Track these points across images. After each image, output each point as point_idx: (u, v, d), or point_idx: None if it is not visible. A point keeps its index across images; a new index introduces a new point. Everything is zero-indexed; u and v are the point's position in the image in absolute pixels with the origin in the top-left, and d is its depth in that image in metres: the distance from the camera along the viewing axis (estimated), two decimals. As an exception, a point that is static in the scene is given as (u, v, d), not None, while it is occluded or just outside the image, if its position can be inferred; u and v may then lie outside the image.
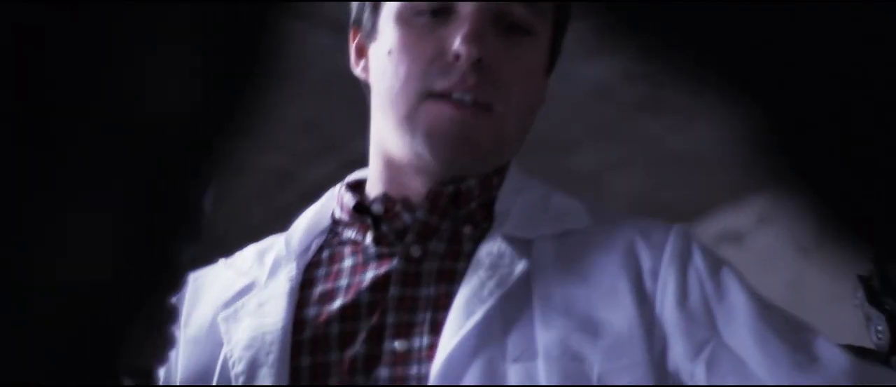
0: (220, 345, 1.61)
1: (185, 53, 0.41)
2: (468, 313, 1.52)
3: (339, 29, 1.78)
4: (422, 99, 1.61)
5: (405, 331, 1.54)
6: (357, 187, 1.72)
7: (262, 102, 0.45)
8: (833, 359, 1.52)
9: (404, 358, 1.52)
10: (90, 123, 0.42)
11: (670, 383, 1.51)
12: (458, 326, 1.51)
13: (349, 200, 1.68)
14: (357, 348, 1.53)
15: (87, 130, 0.42)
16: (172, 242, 0.47)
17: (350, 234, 1.67)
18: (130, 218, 0.45)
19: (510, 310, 1.53)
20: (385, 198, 1.66)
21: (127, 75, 0.42)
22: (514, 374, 1.49)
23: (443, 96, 1.60)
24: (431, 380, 1.48)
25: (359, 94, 1.75)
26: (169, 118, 0.40)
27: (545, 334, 1.51)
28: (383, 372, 1.51)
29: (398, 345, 1.52)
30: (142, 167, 0.44)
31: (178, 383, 1.62)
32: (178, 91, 0.41)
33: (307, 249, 1.68)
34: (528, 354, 1.50)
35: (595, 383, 1.49)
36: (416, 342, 1.52)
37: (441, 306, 1.55)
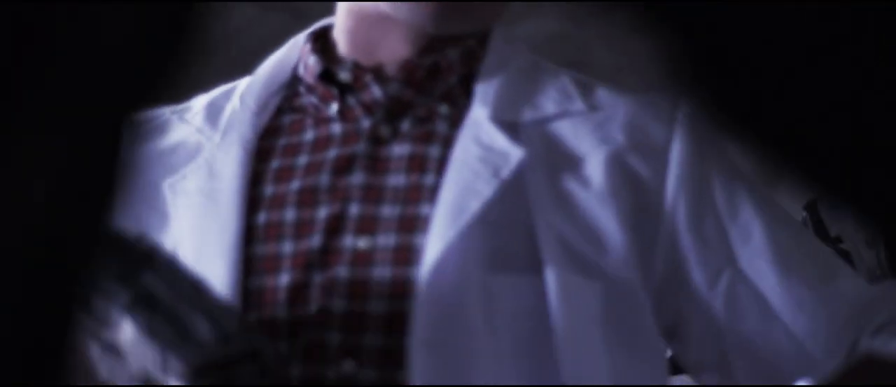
0: (166, 217, 1.45)
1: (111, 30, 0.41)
2: (460, 208, 1.35)
3: (263, 3, 1.76)
4: None
5: (369, 226, 1.38)
6: (322, 38, 1.53)
7: (184, 76, 0.44)
8: (857, 292, 1.39)
9: (366, 258, 1.37)
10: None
11: (670, 309, 1.40)
12: (449, 221, 1.35)
13: (314, 63, 1.49)
14: (313, 240, 1.38)
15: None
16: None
17: (312, 99, 1.49)
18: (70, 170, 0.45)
19: (506, 207, 1.37)
20: (354, 66, 1.47)
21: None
22: (515, 286, 1.35)
23: None
24: (419, 287, 1.32)
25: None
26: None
27: (549, 238, 1.35)
28: (341, 272, 1.36)
29: (362, 243, 1.37)
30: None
31: None
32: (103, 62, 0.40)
33: (265, 107, 1.50)
34: (533, 263, 1.34)
35: (598, 309, 1.35)
36: (381, 241, 1.37)
37: (411, 199, 1.39)
